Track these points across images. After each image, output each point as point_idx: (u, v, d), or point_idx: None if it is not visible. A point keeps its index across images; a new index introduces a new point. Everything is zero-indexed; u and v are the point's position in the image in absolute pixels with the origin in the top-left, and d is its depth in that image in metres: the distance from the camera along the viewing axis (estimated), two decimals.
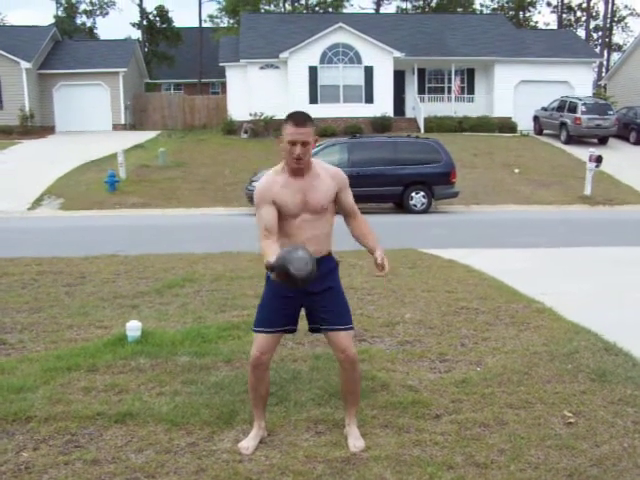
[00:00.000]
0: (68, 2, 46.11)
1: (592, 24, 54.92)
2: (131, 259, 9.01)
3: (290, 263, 2.99)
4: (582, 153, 22.33)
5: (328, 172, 3.52)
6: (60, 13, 45.56)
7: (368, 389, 4.24)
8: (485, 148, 24.78)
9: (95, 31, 48.56)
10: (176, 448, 3.52)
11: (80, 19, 47.00)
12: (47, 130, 29.70)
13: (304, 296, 3.46)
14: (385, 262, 3.45)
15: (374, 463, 3.35)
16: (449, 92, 31.01)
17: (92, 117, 30.55)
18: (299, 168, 3.37)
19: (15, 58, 28.55)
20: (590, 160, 18.42)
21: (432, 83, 31.64)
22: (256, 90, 28.92)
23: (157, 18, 45.77)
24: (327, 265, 3.53)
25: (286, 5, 50.13)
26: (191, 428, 3.75)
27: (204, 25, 47.07)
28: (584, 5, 53.96)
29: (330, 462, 3.36)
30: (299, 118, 3.33)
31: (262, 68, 29.37)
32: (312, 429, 3.75)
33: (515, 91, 30.42)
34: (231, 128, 28.75)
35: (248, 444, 3.52)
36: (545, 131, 28.29)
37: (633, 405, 4.03)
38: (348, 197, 3.59)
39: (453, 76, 30.72)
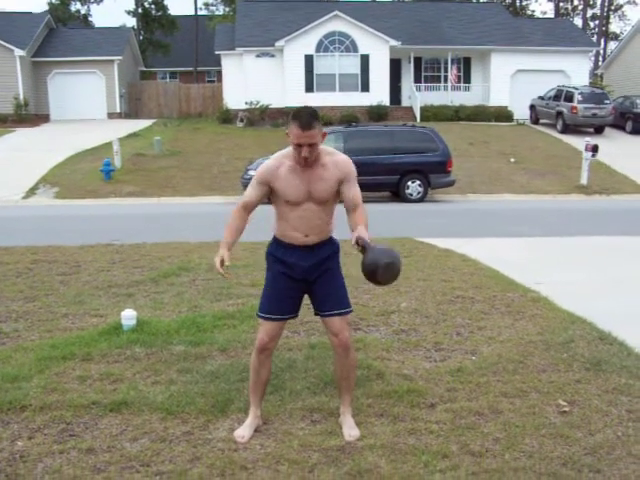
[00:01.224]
0: None
1: (589, 13, 54.77)
2: (126, 248, 9.00)
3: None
4: (578, 142, 22.34)
5: (334, 161, 3.42)
6: (54, 0, 45.18)
7: (363, 378, 4.25)
8: (481, 137, 24.75)
9: (90, 19, 48.15)
10: (171, 437, 3.52)
11: (74, 6, 46.53)
12: (42, 118, 29.54)
13: (305, 280, 3.48)
14: (358, 237, 3.26)
15: (369, 452, 3.35)
16: (445, 81, 30.92)
17: (87, 105, 30.37)
18: (306, 166, 3.35)
19: (9, 46, 28.33)
20: (586, 149, 18.41)
21: (428, 72, 31.54)
22: (252, 78, 28.81)
23: (152, 6, 45.44)
24: (328, 249, 3.55)
25: None
26: (186, 417, 3.75)
27: (200, 13, 46.84)
28: None
29: (325, 451, 3.37)
30: (305, 120, 3.22)
31: (258, 56, 29.24)
32: (307, 418, 3.76)
33: (511, 80, 30.36)
34: (227, 117, 28.64)
35: (243, 433, 3.52)
36: (541, 120, 28.26)
37: (627, 394, 4.05)
38: (350, 189, 3.43)
39: (449, 65, 30.63)
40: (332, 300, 3.50)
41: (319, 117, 3.30)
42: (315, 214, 3.43)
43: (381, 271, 3.17)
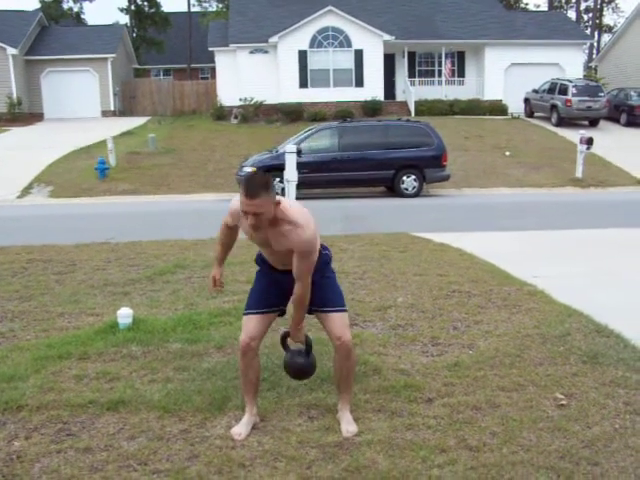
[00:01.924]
0: None
1: (583, 5, 54.75)
2: (122, 246, 8.97)
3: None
4: (573, 135, 22.34)
5: (291, 230, 3.22)
6: None
7: (360, 373, 4.24)
8: (476, 131, 24.75)
9: (82, 16, 47.96)
10: (168, 435, 3.52)
11: (67, 4, 46.31)
12: (35, 117, 29.46)
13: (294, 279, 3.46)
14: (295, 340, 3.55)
15: (367, 447, 3.35)
16: (439, 75, 30.92)
17: (81, 104, 30.29)
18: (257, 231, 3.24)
19: (1, 44, 28.24)
20: (581, 142, 18.42)
21: (422, 66, 31.53)
22: (246, 75, 28.77)
23: (145, 3, 45.22)
24: (319, 263, 3.49)
25: None
26: (183, 415, 3.74)
27: (193, 9, 46.62)
28: None
29: (323, 447, 3.36)
30: (251, 189, 3.05)
31: (252, 53, 29.17)
32: (304, 414, 3.75)
33: (506, 74, 30.36)
34: (221, 113, 28.59)
35: (240, 430, 3.52)
36: (536, 113, 28.27)
37: (624, 386, 4.05)
38: (297, 262, 3.28)
39: (443, 59, 30.61)
40: (325, 297, 3.50)
41: (270, 186, 3.13)
42: (287, 256, 3.33)
43: (292, 373, 3.71)
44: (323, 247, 3.57)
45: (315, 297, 3.48)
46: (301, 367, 3.62)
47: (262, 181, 3.11)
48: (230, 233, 3.63)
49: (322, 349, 4.60)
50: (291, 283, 3.43)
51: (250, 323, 3.52)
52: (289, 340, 3.63)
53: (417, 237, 9.56)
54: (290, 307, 3.58)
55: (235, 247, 9.25)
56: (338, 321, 3.50)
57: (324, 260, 3.57)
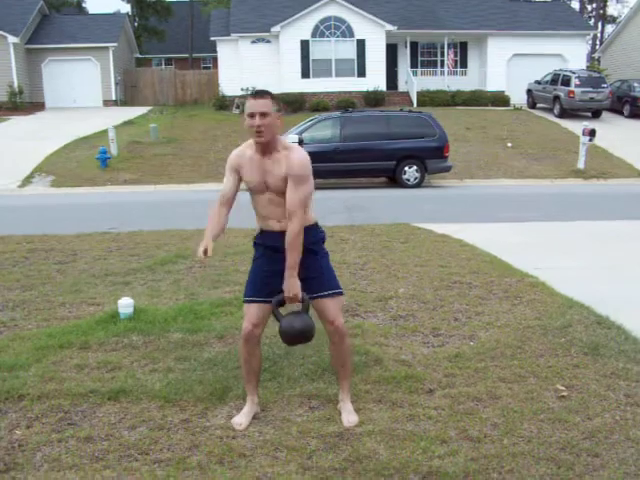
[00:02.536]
0: None
1: None
2: (123, 236, 8.97)
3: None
4: (576, 127, 22.29)
5: (286, 156, 3.33)
6: None
7: (361, 364, 4.25)
8: (478, 122, 24.68)
9: (83, 5, 47.87)
10: (169, 424, 3.52)
11: None
12: (37, 106, 29.39)
13: None
14: (287, 290, 3.35)
15: (367, 438, 3.36)
16: (442, 66, 30.82)
17: (82, 93, 30.24)
18: (260, 142, 3.32)
19: (2, 32, 28.11)
20: (584, 134, 18.36)
21: (425, 57, 31.42)
22: (248, 65, 28.68)
23: None
24: (310, 236, 3.44)
25: None
26: (184, 404, 3.75)
27: None
28: None
29: (324, 437, 3.37)
30: (258, 92, 3.35)
31: (253, 42, 29.08)
32: (305, 404, 3.76)
33: (508, 64, 30.26)
34: (223, 103, 28.54)
35: (241, 420, 3.52)
36: (538, 105, 28.18)
37: (625, 378, 4.05)
38: (290, 192, 3.31)
39: (446, 49, 30.48)
40: (319, 281, 3.46)
41: (274, 97, 3.35)
42: (278, 202, 3.39)
43: (290, 339, 3.46)
44: (317, 226, 3.57)
45: (310, 282, 3.45)
46: (300, 331, 3.37)
47: (266, 90, 3.41)
48: (224, 212, 3.48)
49: (324, 339, 4.59)
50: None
51: (250, 310, 3.51)
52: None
53: (418, 228, 9.56)
54: None
55: (235, 237, 9.27)
56: (332, 305, 3.48)
57: (320, 237, 3.57)
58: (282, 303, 3.43)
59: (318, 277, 3.47)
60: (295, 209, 3.30)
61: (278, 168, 3.33)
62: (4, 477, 3.02)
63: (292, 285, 3.33)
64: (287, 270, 3.33)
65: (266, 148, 3.34)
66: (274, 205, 3.40)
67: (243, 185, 3.52)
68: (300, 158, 3.33)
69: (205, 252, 3.34)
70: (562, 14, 32.22)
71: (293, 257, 3.31)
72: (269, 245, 3.48)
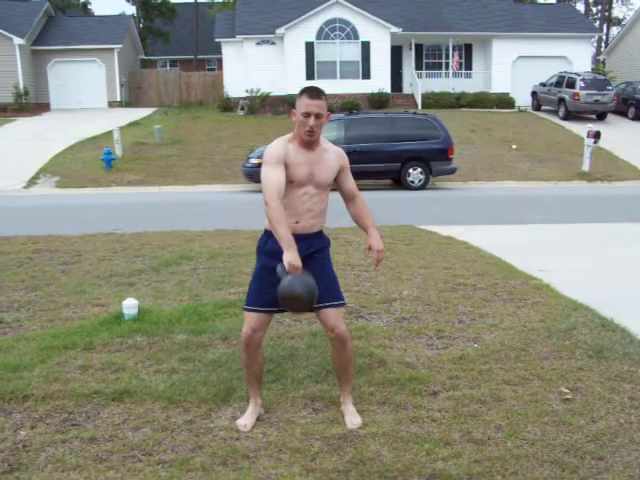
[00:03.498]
0: None
1: None
2: (127, 237, 8.99)
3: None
4: (580, 129, 22.25)
5: (334, 149, 3.53)
6: None
7: (365, 366, 4.24)
8: (483, 124, 24.67)
9: (89, 6, 47.93)
10: (173, 426, 3.52)
11: None
12: (42, 107, 29.47)
13: None
14: (379, 245, 3.59)
15: (371, 440, 3.35)
16: (447, 68, 30.81)
17: (87, 94, 30.32)
18: (310, 141, 3.37)
19: (8, 34, 28.21)
20: (588, 136, 18.34)
21: (430, 59, 31.43)
22: (253, 66, 28.72)
23: None
24: (316, 243, 3.50)
25: None
26: (188, 405, 3.75)
27: (200, 0, 46.48)
28: None
29: (327, 439, 3.36)
30: (314, 91, 3.36)
31: (258, 44, 29.12)
32: (309, 406, 3.76)
33: (513, 67, 30.24)
34: (227, 105, 28.57)
35: (245, 421, 3.52)
36: (543, 107, 28.15)
37: (630, 381, 4.04)
38: (348, 179, 3.61)
39: (451, 52, 30.49)
40: (323, 292, 3.42)
41: (326, 95, 3.42)
42: (312, 198, 3.42)
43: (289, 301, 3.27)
44: (323, 232, 3.60)
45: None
46: (299, 295, 3.19)
47: (320, 88, 3.44)
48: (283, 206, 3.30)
49: (327, 342, 4.59)
50: None
51: (251, 316, 3.49)
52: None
53: (423, 230, 9.55)
54: None
55: (241, 238, 9.27)
56: (332, 313, 3.47)
57: (326, 242, 3.59)
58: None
59: (324, 287, 3.41)
60: (357, 191, 3.66)
61: (331, 159, 3.47)
62: (8, 477, 3.03)
63: (293, 258, 3.13)
64: (373, 225, 3.66)
65: (311, 144, 3.41)
66: (303, 201, 3.40)
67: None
68: (344, 152, 3.60)
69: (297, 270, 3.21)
70: (567, 16, 32.19)
71: (371, 219, 3.67)
72: (276, 252, 3.27)
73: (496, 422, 3.52)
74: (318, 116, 3.31)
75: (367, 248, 3.63)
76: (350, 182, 3.62)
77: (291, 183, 3.36)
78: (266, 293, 3.44)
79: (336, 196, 3.62)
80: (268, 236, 3.45)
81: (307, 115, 3.30)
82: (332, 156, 3.49)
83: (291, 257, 3.13)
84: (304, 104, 3.32)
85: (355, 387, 3.79)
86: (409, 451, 3.23)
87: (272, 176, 3.27)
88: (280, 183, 3.26)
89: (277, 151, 3.34)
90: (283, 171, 3.30)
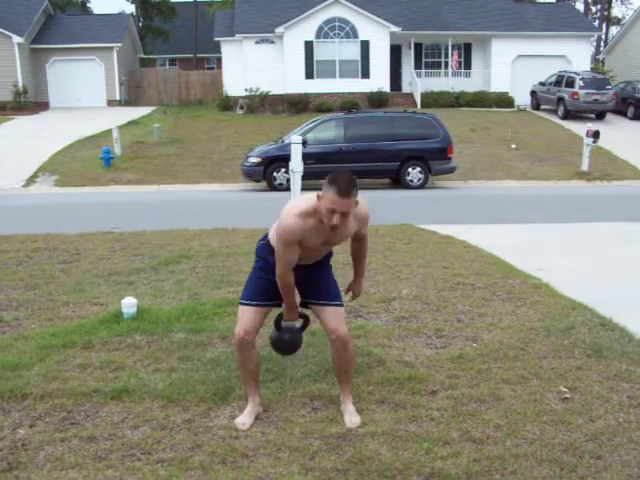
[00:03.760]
0: None
1: None
2: (126, 236, 8.98)
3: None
4: (579, 128, 22.26)
5: (355, 214, 3.27)
6: None
7: (364, 365, 4.24)
8: (482, 123, 24.66)
9: (88, 5, 47.93)
10: (172, 424, 3.52)
11: None
12: (41, 106, 29.44)
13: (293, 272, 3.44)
14: (359, 293, 3.82)
15: (370, 439, 3.35)
16: (446, 67, 30.80)
17: (86, 93, 30.28)
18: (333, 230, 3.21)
19: (7, 32, 28.16)
20: (587, 135, 18.34)
21: (429, 58, 31.41)
22: (252, 65, 28.69)
23: None
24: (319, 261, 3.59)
25: None
26: (187, 404, 3.75)
27: None
28: None
29: (326, 438, 3.37)
30: (345, 188, 3.06)
31: (258, 43, 29.10)
32: (308, 405, 3.76)
33: (512, 66, 30.23)
34: (227, 104, 28.55)
35: (244, 420, 3.52)
36: (542, 106, 28.14)
37: (628, 380, 4.04)
38: (363, 230, 3.51)
39: (450, 51, 30.48)
40: (327, 291, 3.48)
41: (357, 185, 3.14)
42: (321, 251, 3.50)
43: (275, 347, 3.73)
44: None
45: (310, 289, 3.50)
46: (286, 343, 3.63)
47: (352, 179, 3.12)
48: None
49: (326, 340, 4.60)
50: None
51: (245, 315, 3.50)
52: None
53: (422, 229, 9.55)
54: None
55: (240, 237, 9.25)
56: (333, 314, 3.48)
57: (329, 255, 3.65)
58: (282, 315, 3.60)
59: (327, 287, 3.53)
60: (365, 236, 3.60)
61: (345, 229, 3.29)
62: (7, 476, 3.03)
63: (291, 310, 3.53)
64: (361, 274, 3.74)
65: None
66: (311, 254, 3.45)
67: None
68: (366, 207, 3.39)
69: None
70: (566, 15, 32.18)
71: (364, 263, 3.76)
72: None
73: (495, 421, 3.53)
74: (344, 214, 3.12)
75: (348, 289, 3.83)
76: (363, 232, 3.52)
77: (301, 243, 3.31)
78: (261, 291, 3.49)
79: None
80: (269, 249, 3.50)
81: (333, 211, 3.09)
82: (352, 222, 3.30)
83: (297, 320, 3.56)
84: (331, 200, 3.06)
85: (354, 386, 3.79)
86: (408, 450, 3.24)
87: (285, 256, 3.30)
88: (292, 261, 3.33)
89: (292, 233, 3.21)
90: (296, 249, 3.29)
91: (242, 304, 3.55)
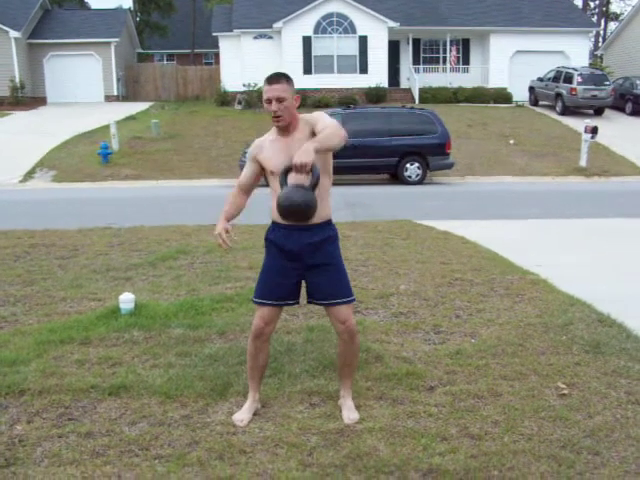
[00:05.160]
0: None
1: None
2: (124, 231, 8.97)
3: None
4: (578, 124, 22.27)
5: (305, 120, 3.38)
6: None
7: (362, 361, 4.23)
8: (480, 119, 24.65)
9: (85, 0, 47.76)
10: (170, 420, 3.52)
11: None
12: (38, 101, 29.37)
13: (302, 263, 3.40)
14: (300, 159, 3.01)
15: (368, 435, 3.35)
16: (444, 62, 30.77)
17: (84, 88, 30.20)
18: (280, 127, 3.35)
19: (4, 27, 28.05)
20: (586, 131, 18.35)
21: (427, 53, 31.39)
22: (250, 60, 28.63)
23: None
24: (324, 231, 3.44)
25: None
26: (185, 400, 3.75)
27: None
28: None
29: (324, 434, 3.36)
30: (272, 76, 3.36)
31: (256, 38, 29.04)
32: (306, 401, 3.75)
33: (511, 61, 30.20)
34: (225, 99, 28.50)
35: (242, 416, 3.51)
36: (541, 102, 28.13)
37: (626, 376, 4.04)
38: (317, 127, 3.27)
39: (448, 46, 30.44)
40: (337, 289, 3.42)
41: (290, 79, 3.37)
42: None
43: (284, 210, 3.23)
44: (331, 222, 3.53)
45: (319, 288, 3.43)
46: (298, 205, 3.16)
47: (282, 72, 3.41)
48: (242, 195, 3.60)
49: (325, 336, 4.60)
50: (300, 274, 3.43)
51: (264, 310, 3.47)
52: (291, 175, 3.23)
53: (420, 225, 9.55)
54: (303, 291, 3.55)
55: (238, 233, 9.24)
56: (345, 309, 3.46)
57: (334, 232, 3.53)
58: (289, 170, 3.19)
59: (336, 286, 3.44)
60: (328, 123, 3.24)
61: (302, 134, 3.33)
62: (4, 472, 3.02)
63: (305, 151, 3.01)
64: (312, 143, 3.08)
65: (287, 130, 3.37)
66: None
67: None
68: (317, 112, 3.44)
69: (223, 240, 3.43)
70: (565, 11, 32.12)
71: (325, 133, 3.16)
72: (285, 244, 3.39)
73: (493, 417, 3.53)
74: (280, 100, 3.27)
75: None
76: (319, 127, 3.25)
77: (272, 174, 3.39)
78: (276, 285, 3.44)
79: (333, 190, 3.59)
80: (274, 226, 3.48)
81: (269, 101, 3.30)
82: (304, 129, 3.33)
83: (218, 228, 3.45)
84: (264, 91, 3.32)
85: (352, 382, 3.78)
86: (406, 446, 3.23)
87: (241, 174, 3.61)
88: (244, 178, 3.57)
89: (251, 151, 3.50)
90: (252, 167, 3.52)
91: (256, 302, 3.51)
